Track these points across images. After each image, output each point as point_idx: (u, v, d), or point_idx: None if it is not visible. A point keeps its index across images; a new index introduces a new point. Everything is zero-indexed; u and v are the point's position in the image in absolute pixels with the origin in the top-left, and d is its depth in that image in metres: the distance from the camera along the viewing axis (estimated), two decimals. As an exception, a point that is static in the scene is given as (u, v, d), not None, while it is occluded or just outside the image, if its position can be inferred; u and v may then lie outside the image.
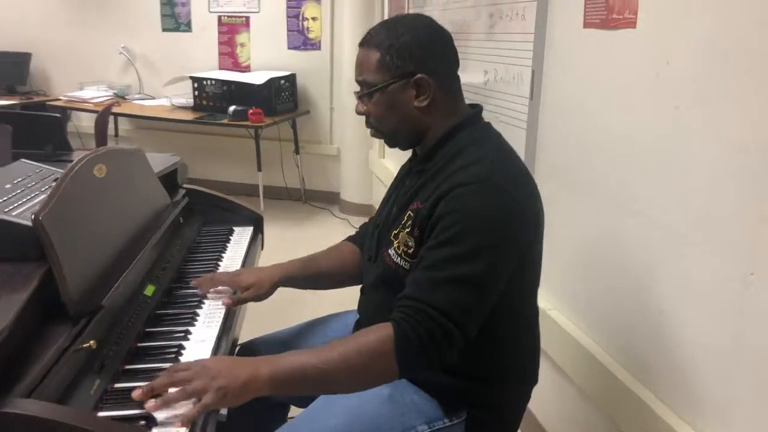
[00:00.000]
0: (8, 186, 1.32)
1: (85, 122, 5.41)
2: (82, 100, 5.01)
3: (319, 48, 4.95)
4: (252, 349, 1.59)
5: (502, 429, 1.38)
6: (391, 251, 1.34)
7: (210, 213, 2.04)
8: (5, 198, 1.24)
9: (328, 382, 1.12)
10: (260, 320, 1.85)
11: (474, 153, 1.27)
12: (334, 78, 4.95)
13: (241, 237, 1.94)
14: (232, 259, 1.77)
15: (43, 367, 0.97)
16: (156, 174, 1.82)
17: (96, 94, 5.15)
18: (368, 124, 1.37)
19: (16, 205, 1.22)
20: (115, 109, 4.84)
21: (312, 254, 1.62)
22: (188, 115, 4.74)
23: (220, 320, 1.40)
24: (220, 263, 1.74)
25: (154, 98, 5.26)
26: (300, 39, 4.97)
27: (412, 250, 1.28)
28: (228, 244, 1.86)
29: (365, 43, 1.32)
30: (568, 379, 1.96)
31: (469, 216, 1.18)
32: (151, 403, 1.03)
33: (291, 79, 4.86)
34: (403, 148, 1.40)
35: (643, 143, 1.58)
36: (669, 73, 1.47)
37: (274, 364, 1.10)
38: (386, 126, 1.35)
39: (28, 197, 1.28)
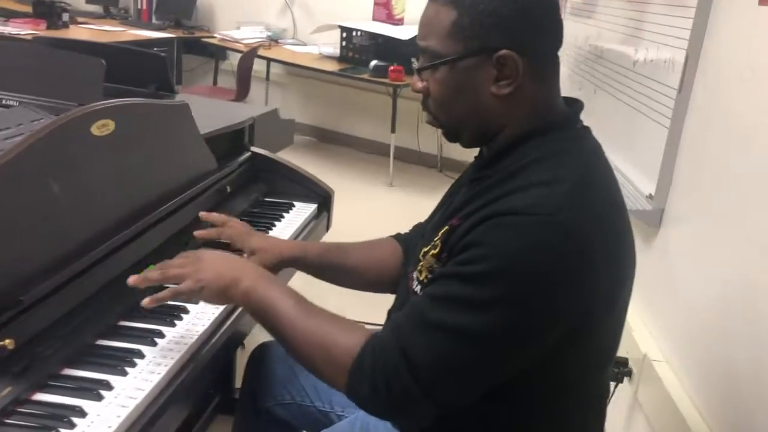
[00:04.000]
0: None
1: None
2: (234, 39, 5.01)
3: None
4: (263, 353, 1.36)
5: None
6: (415, 274, 1.03)
7: (277, 183, 1.82)
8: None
9: (284, 338, 1.00)
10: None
11: (548, 170, 0.91)
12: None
13: (297, 215, 1.70)
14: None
15: None
16: (214, 132, 1.62)
17: (250, 35, 5.13)
18: (425, 106, 1.03)
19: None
20: (264, 53, 4.80)
21: (345, 243, 1.34)
22: (332, 66, 4.58)
23: (217, 312, 1.19)
24: (258, 244, 1.51)
25: (306, 44, 5.15)
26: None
27: None
28: (278, 222, 1.63)
29: None
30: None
31: (505, 256, 0.85)
32: (133, 278, 1.06)
33: (442, 37, 4.51)
34: (466, 146, 1.05)
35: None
36: None
37: (255, 284, 1.03)
38: (448, 114, 1.00)
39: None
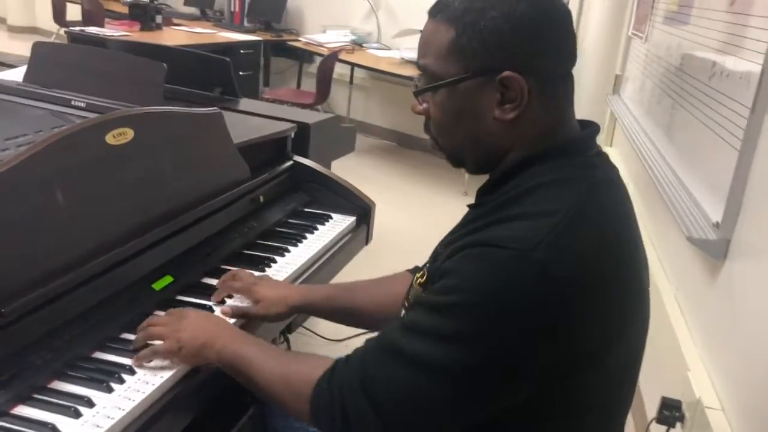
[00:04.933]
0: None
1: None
2: (318, 43, 5.05)
3: (565, 11, 4.37)
4: None
5: None
6: (404, 301, 0.98)
7: (319, 193, 1.78)
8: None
9: (255, 384, 0.99)
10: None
11: (543, 200, 0.84)
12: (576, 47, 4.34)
13: (332, 228, 1.65)
14: (297, 256, 1.49)
15: None
16: (250, 141, 1.60)
17: (334, 38, 5.15)
18: (426, 129, 0.97)
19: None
20: (347, 57, 4.81)
21: (358, 282, 1.29)
22: (412, 71, 4.50)
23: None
24: (284, 254, 1.48)
25: (389, 49, 5.13)
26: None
27: None
28: (309, 235, 1.59)
29: (437, 11, 0.90)
30: None
31: (474, 290, 0.79)
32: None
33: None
34: (471, 173, 0.98)
35: None
36: None
37: (227, 343, 1.03)
38: (449, 139, 0.94)
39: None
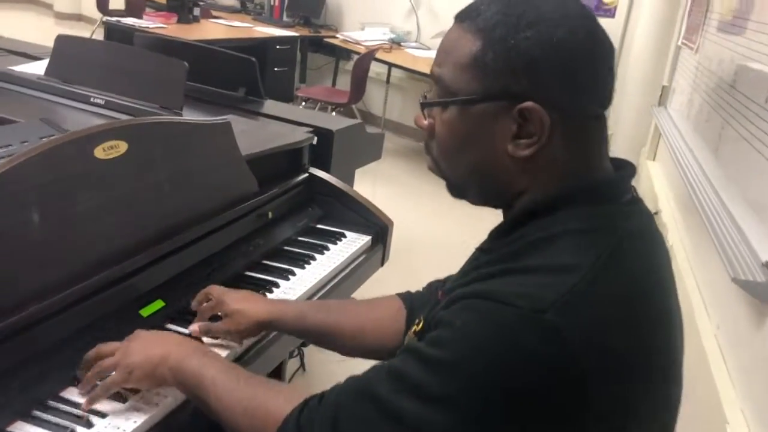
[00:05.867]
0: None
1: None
2: (355, 41, 4.95)
3: (612, 15, 4.19)
4: None
5: None
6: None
7: (334, 208, 1.68)
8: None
9: (212, 410, 0.89)
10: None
11: (565, 252, 0.71)
12: (622, 53, 4.17)
13: (345, 248, 1.54)
14: (303, 280, 1.39)
15: None
16: (261, 153, 1.50)
17: (372, 36, 5.05)
18: (427, 148, 0.85)
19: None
20: (384, 56, 4.71)
21: (338, 301, 1.18)
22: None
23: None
24: (289, 278, 1.38)
25: (428, 48, 5.00)
26: (593, 2, 4.25)
27: None
28: (319, 255, 1.48)
29: (465, 17, 0.78)
30: None
31: (464, 348, 0.68)
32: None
33: (570, 47, 4.21)
34: (474, 204, 0.86)
35: None
36: None
37: (181, 359, 0.93)
38: (451, 164, 0.82)
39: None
